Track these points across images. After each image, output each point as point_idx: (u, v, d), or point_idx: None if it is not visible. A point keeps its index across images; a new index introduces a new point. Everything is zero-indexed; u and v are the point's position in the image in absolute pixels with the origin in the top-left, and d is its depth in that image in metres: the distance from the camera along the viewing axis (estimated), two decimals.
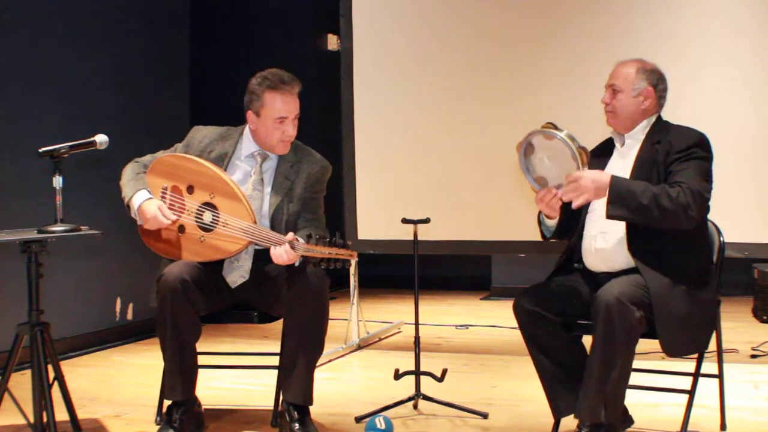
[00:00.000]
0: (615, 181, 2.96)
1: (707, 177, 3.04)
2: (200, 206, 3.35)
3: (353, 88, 5.08)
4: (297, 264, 3.27)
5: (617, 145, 3.26)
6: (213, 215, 3.32)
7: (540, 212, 3.24)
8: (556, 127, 3.04)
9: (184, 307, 3.24)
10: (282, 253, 3.17)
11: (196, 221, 3.35)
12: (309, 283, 3.26)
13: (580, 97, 4.55)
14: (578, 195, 2.97)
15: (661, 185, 2.97)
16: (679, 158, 3.04)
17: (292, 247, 3.15)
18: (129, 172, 3.48)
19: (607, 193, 2.95)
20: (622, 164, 3.19)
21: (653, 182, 3.03)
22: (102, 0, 5.45)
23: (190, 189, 3.37)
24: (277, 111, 3.40)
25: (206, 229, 3.33)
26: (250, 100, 3.46)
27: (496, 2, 4.87)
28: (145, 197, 3.38)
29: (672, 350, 2.99)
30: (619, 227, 3.08)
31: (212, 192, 3.33)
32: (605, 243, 3.14)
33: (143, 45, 5.72)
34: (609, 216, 2.97)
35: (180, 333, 3.27)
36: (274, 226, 3.42)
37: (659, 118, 3.24)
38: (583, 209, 3.20)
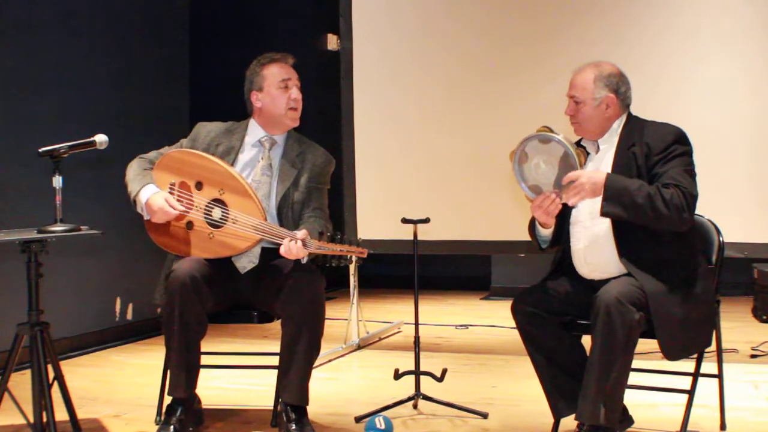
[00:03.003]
0: (610, 178, 2.95)
1: (692, 172, 3.03)
2: (209, 203, 3.34)
3: (353, 88, 5.09)
4: (305, 260, 3.27)
5: (591, 152, 3.21)
6: (222, 212, 3.31)
7: (533, 223, 3.23)
8: (551, 131, 3.04)
9: (193, 303, 3.24)
10: (292, 248, 3.15)
11: (205, 217, 3.34)
12: (304, 284, 3.26)
13: None
14: (576, 194, 2.97)
15: (655, 185, 2.95)
16: (661, 159, 3.01)
17: (304, 245, 3.14)
18: (135, 167, 3.47)
19: (602, 190, 2.94)
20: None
21: None
22: (102, 0, 5.45)
23: (199, 185, 3.36)
24: (279, 75, 3.49)
25: (215, 225, 3.32)
26: (251, 83, 3.53)
27: (496, 2, 4.87)
28: (153, 191, 3.37)
29: (672, 355, 2.99)
30: (607, 238, 3.07)
31: (222, 188, 3.32)
32: (594, 255, 3.13)
33: (143, 45, 5.72)
34: (603, 213, 2.96)
35: (188, 329, 3.27)
36: (281, 213, 3.43)
37: (629, 116, 3.18)
38: (567, 222, 3.19)
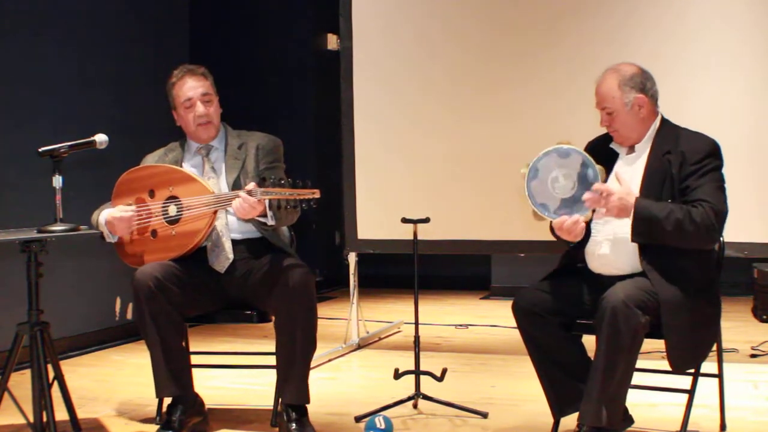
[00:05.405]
0: (639, 206, 2.92)
1: (723, 188, 3.02)
2: (164, 203, 3.40)
3: (353, 87, 5.08)
4: (270, 219, 3.27)
5: (621, 152, 3.18)
6: (177, 205, 3.38)
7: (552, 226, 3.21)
8: (570, 144, 3.04)
9: (161, 303, 3.28)
10: (241, 203, 3.19)
11: (164, 218, 3.40)
12: (295, 281, 3.27)
13: (583, 97, 4.53)
14: (604, 207, 2.94)
15: (684, 208, 2.92)
16: (695, 171, 2.99)
17: (250, 194, 3.17)
18: (98, 209, 3.55)
19: (631, 216, 2.92)
20: (630, 171, 3.11)
21: (665, 195, 3.00)
22: (102, 0, 5.45)
23: (152, 193, 3.44)
24: (182, 96, 3.54)
25: (176, 221, 3.38)
26: (169, 103, 3.61)
27: (498, 3, 4.86)
28: (109, 211, 3.43)
29: (680, 367, 3.00)
30: (625, 236, 3.04)
31: (170, 185, 3.40)
32: (611, 250, 3.11)
33: (143, 45, 5.72)
34: (634, 241, 2.96)
35: (161, 329, 3.30)
36: None
37: (663, 121, 3.16)
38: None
